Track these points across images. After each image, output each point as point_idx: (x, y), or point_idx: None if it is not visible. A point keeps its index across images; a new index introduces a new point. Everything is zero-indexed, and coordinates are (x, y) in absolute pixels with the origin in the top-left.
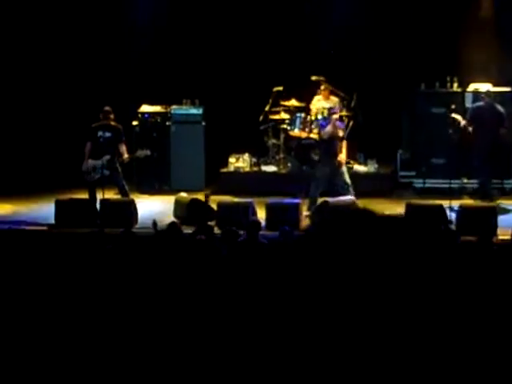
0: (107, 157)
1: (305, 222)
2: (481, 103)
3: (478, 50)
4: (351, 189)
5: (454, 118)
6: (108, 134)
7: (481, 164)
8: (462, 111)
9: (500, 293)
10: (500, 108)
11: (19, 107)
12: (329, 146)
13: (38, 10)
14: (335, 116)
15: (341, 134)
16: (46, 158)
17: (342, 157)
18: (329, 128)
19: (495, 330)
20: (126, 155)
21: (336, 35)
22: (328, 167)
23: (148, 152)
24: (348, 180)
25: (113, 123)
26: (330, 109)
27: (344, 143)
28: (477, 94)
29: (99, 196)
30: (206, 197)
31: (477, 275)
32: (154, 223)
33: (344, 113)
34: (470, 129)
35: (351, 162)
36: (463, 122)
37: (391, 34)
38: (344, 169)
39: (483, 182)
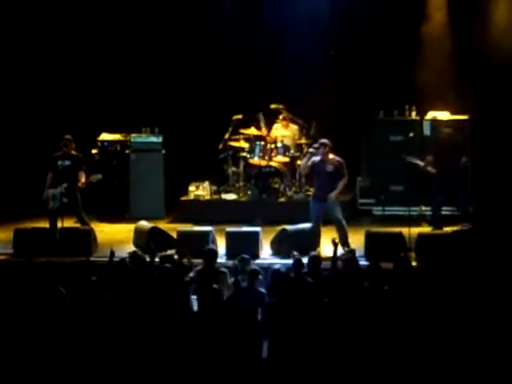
0: (65, 185)
1: (265, 251)
2: (439, 134)
3: (435, 78)
4: (342, 222)
5: (411, 163)
6: (67, 163)
7: (436, 193)
8: (421, 139)
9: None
10: (459, 136)
11: None
12: (311, 179)
13: None
14: (311, 149)
15: (329, 168)
16: (4, 188)
17: (332, 194)
18: (302, 162)
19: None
20: (82, 181)
21: (295, 64)
22: (315, 201)
23: (100, 176)
24: (337, 215)
25: (73, 152)
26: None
27: (344, 180)
28: (435, 123)
29: (59, 225)
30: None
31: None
32: (112, 253)
33: (303, 140)
34: (431, 168)
35: (310, 189)
36: (422, 164)
37: (350, 63)
38: (334, 204)
39: (434, 210)
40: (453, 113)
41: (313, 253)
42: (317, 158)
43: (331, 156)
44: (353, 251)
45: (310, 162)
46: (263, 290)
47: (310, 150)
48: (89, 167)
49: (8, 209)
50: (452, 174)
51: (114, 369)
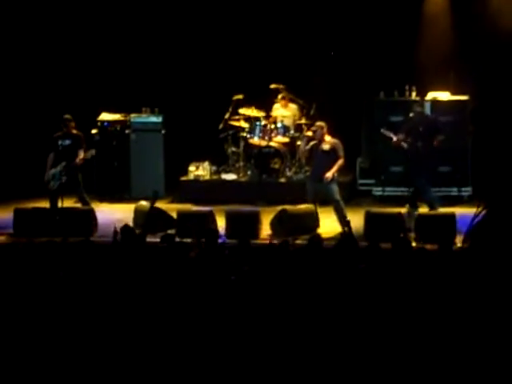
0: (63, 163)
1: (265, 231)
2: (411, 115)
3: (436, 58)
4: (340, 204)
5: (383, 134)
6: (67, 142)
7: (413, 175)
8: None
9: (460, 300)
10: (432, 117)
11: None
12: (310, 160)
13: None
14: (308, 133)
15: (325, 147)
16: (5, 167)
17: (327, 174)
18: (301, 147)
19: (453, 336)
20: (78, 158)
21: (296, 44)
22: (310, 181)
23: (93, 152)
24: (335, 197)
25: (73, 131)
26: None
27: (340, 160)
28: (435, 104)
29: (59, 204)
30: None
31: (437, 283)
32: (115, 232)
33: (303, 121)
34: (404, 144)
35: (310, 170)
36: (394, 138)
37: (350, 43)
38: (331, 185)
39: (413, 191)
40: (453, 93)
41: (314, 233)
42: (314, 141)
43: (328, 137)
44: (348, 222)
45: (308, 146)
46: (267, 273)
47: (308, 133)
48: (89, 147)
49: (8, 189)
50: (421, 153)
51: (110, 351)
